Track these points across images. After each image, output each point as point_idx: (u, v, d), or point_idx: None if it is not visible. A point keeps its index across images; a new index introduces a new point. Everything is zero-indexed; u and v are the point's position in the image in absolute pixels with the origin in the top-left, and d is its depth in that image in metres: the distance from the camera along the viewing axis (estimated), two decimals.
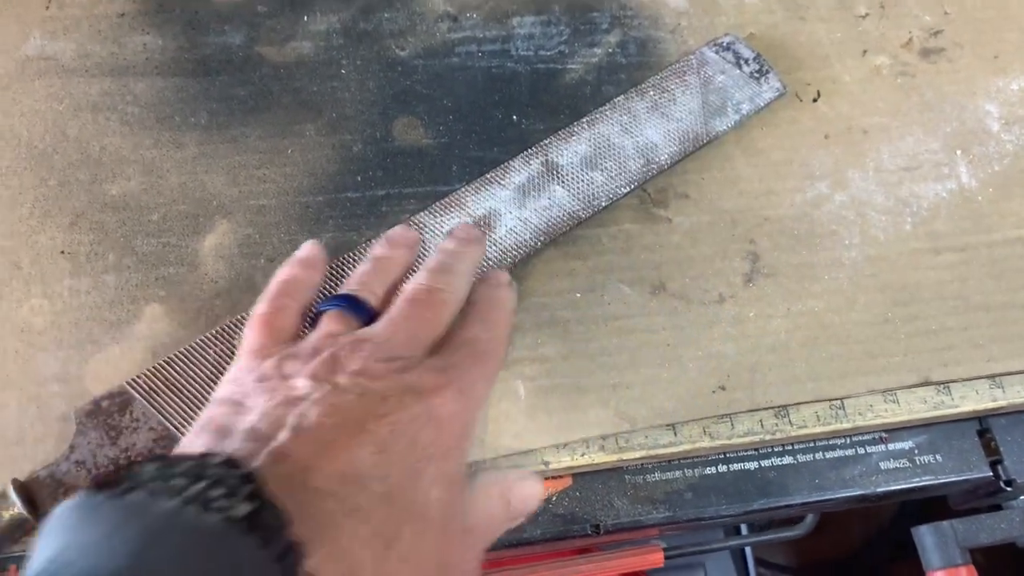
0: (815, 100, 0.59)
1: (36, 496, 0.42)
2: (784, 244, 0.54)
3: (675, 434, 0.49)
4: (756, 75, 0.58)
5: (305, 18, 0.58)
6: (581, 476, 0.53)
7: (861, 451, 0.55)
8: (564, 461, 0.48)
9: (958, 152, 0.57)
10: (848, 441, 0.55)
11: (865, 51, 0.61)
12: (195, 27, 0.57)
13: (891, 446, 0.55)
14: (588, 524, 0.52)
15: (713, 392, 0.49)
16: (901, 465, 0.54)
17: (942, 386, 0.51)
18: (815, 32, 0.61)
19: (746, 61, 0.58)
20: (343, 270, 0.48)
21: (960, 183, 0.56)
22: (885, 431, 0.54)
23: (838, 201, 0.55)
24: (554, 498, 0.52)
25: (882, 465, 0.54)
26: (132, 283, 0.49)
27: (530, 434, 0.48)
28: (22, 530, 0.41)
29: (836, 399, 0.50)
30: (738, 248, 0.53)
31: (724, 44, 0.59)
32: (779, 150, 0.57)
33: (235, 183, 0.52)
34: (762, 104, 0.57)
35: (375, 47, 0.58)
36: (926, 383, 0.51)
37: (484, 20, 0.60)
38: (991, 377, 0.52)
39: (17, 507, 0.41)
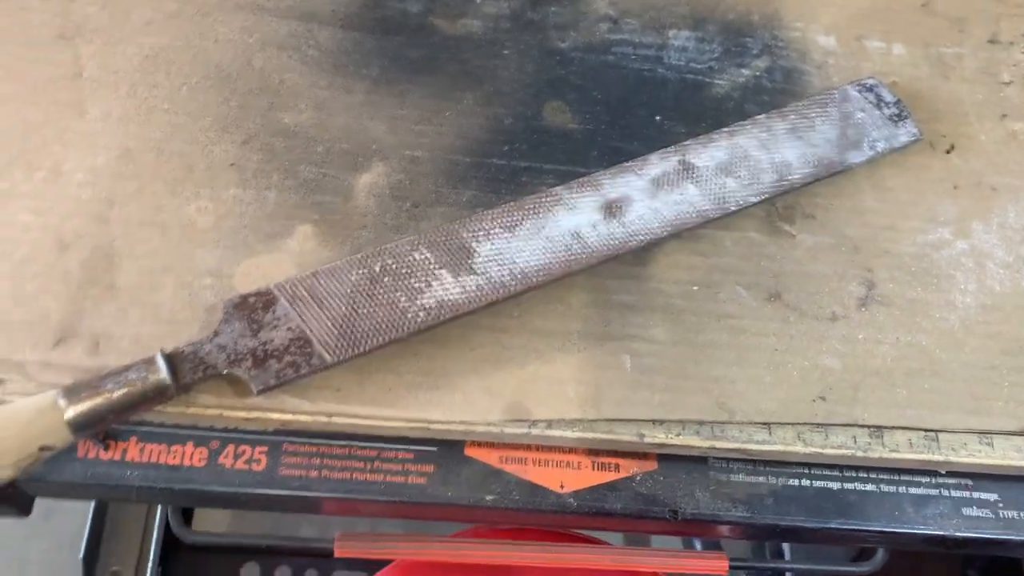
0: (948, 152, 0.61)
1: (179, 367, 0.45)
2: (900, 278, 0.55)
3: (770, 433, 0.50)
4: (894, 118, 0.60)
5: (478, 0, 0.63)
6: (667, 462, 0.55)
7: (945, 493, 0.56)
8: (659, 437, 0.49)
9: None
10: (933, 481, 0.56)
11: (1004, 115, 0.62)
12: None
13: (975, 494, 0.55)
14: (667, 509, 0.54)
15: (813, 401, 0.51)
16: (984, 514, 0.54)
17: None
18: (957, 91, 0.63)
19: (887, 104, 0.60)
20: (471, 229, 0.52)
21: None
22: (972, 478, 0.54)
23: (959, 248, 0.57)
24: (638, 477, 0.54)
25: (964, 511, 0.54)
26: (290, 203, 0.53)
27: (631, 405, 0.50)
28: (162, 397, 0.45)
29: (932, 430, 0.51)
30: (856, 274, 0.55)
31: (867, 85, 0.61)
32: (907, 191, 0.59)
33: (394, 133, 0.56)
34: (897, 145, 0.59)
35: (538, 35, 0.62)
36: None
37: (642, 27, 0.63)
38: None
39: (162, 373, 0.45)
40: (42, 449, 0.43)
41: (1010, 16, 0.68)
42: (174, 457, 0.52)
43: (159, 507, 1.08)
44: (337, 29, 0.60)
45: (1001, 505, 0.54)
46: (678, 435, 0.50)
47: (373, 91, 0.58)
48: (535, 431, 0.49)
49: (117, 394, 0.44)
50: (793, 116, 0.59)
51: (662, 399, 0.50)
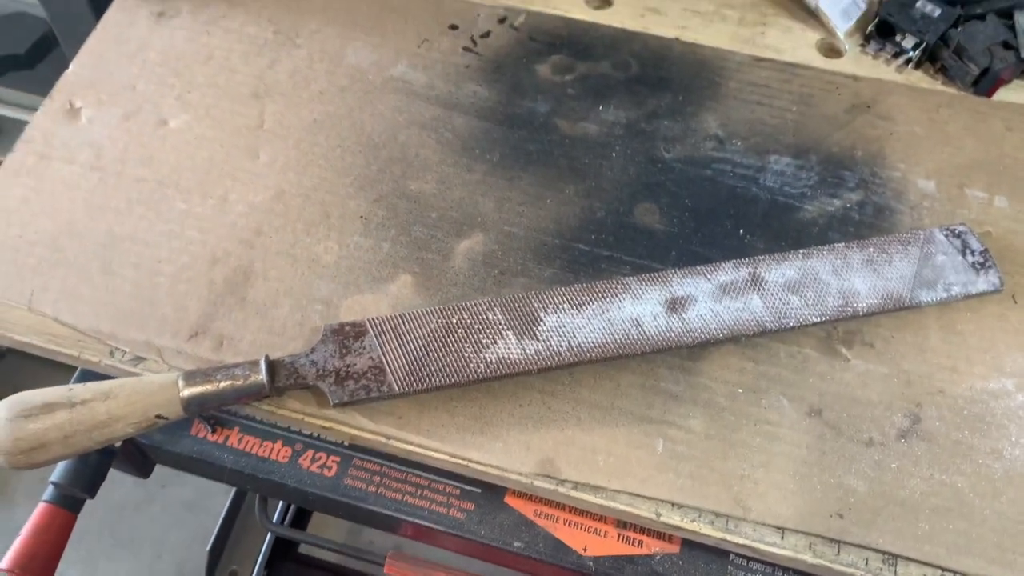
0: None
1: (277, 372, 0.55)
2: (950, 419, 0.56)
3: (782, 538, 0.53)
4: (978, 266, 0.61)
5: (600, 108, 0.71)
6: (689, 549, 0.58)
7: None
8: (674, 519, 0.53)
9: None
10: None
11: None
12: (516, 90, 0.72)
13: None
14: None
15: (830, 516, 0.53)
16: None
17: None
18: None
19: (972, 252, 0.62)
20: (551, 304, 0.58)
21: None
22: None
23: (1019, 401, 0.57)
24: (658, 556, 0.58)
25: None
26: (399, 255, 0.62)
27: (655, 484, 0.54)
28: (258, 394, 0.54)
29: (950, 570, 0.52)
30: (903, 406, 0.57)
31: (956, 231, 0.63)
32: (977, 337, 0.60)
33: (499, 210, 0.65)
34: (974, 292, 0.60)
35: (646, 144, 0.69)
36: None
37: (745, 149, 0.69)
38: None
39: (262, 375, 0.54)
40: (158, 417, 0.53)
41: None
42: (264, 450, 0.61)
43: (276, 517, 1.20)
44: (472, 118, 0.70)
45: None
46: (693, 521, 0.53)
47: (490, 173, 0.67)
48: (562, 489, 0.54)
49: (223, 384, 0.54)
50: (872, 249, 0.62)
51: (684, 484, 0.54)
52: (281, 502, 1.18)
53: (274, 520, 1.13)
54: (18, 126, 1.16)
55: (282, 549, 1.22)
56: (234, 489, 1.51)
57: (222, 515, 1.48)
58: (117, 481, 1.62)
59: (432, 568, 0.66)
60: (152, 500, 1.58)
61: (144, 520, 1.56)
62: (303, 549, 1.25)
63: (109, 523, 1.55)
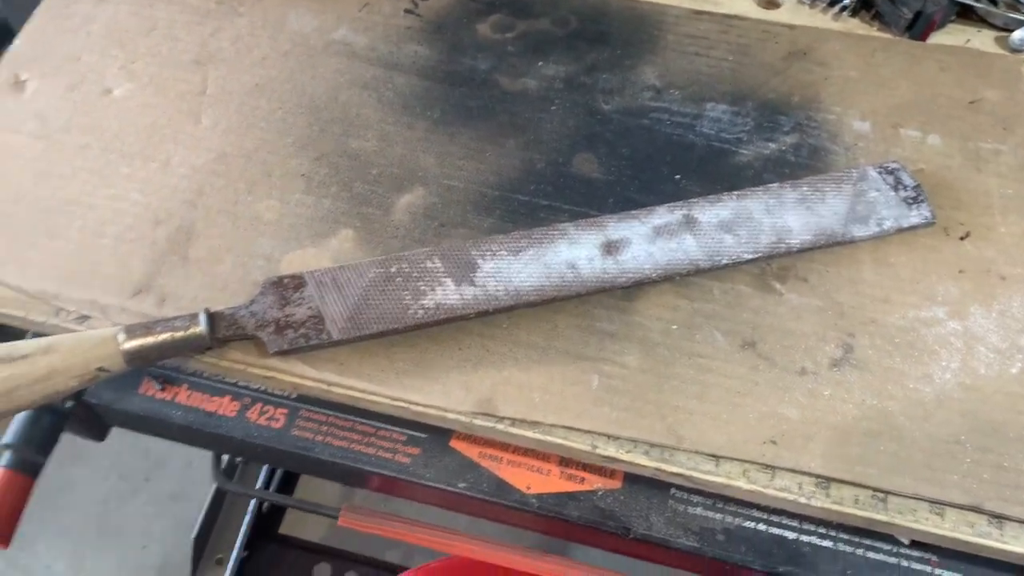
0: (962, 238, 0.62)
1: (217, 324, 0.56)
2: (881, 346, 0.57)
3: (716, 465, 0.54)
4: (909, 200, 0.62)
5: (540, 63, 0.72)
6: (631, 484, 0.59)
7: (905, 564, 0.56)
8: (610, 451, 0.54)
9: None
10: (895, 550, 0.57)
11: None
12: (457, 49, 0.73)
13: (939, 571, 0.56)
14: (621, 526, 0.58)
15: (763, 443, 0.54)
16: None
17: (994, 519, 0.52)
18: (986, 183, 0.65)
19: (904, 187, 0.63)
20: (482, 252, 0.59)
21: None
22: (939, 553, 0.54)
23: (950, 328, 0.58)
24: (600, 492, 0.59)
25: None
26: (340, 211, 0.63)
27: (590, 418, 0.55)
28: (199, 345, 0.55)
29: (881, 490, 0.53)
30: (836, 336, 0.58)
31: (888, 168, 0.64)
32: (909, 269, 0.61)
33: (440, 165, 0.66)
34: (905, 226, 0.61)
35: (585, 97, 0.70)
36: (977, 509, 0.52)
37: (682, 99, 0.70)
38: None
39: (202, 326, 0.55)
40: (99, 370, 0.54)
41: None
42: (213, 405, 0.62)
43: (254, 504, 1.21)
44: (413, 77, 0.71)
45: None
46: (628, 452, 0.54)
47: (431, 130, 0.68)
48: (500, 427, 0.55)
49: (163, 337, 0.54)
50: (805, 188, 0.63)
51: (619, 417, 0.55)
52: (263, 470, 1.20)
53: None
54: None
55: (262, 530, 1.23)
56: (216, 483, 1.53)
57: (206, 504, 1.49)
58: (101, 475, 1.63)
59: (385, 518, 0.67)
60: (137, 493, 1.59)
61: (129, 512, 1.57)
62: (283, 529, 1.27)
63: (95, 516, 1.56)
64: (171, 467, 1.61)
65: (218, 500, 1.54)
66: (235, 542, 1.44)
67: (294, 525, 1.32)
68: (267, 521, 1.23)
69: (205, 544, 1.53)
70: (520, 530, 0.63)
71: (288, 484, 1.30)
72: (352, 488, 1.48)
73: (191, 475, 1.62)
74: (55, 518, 1.60)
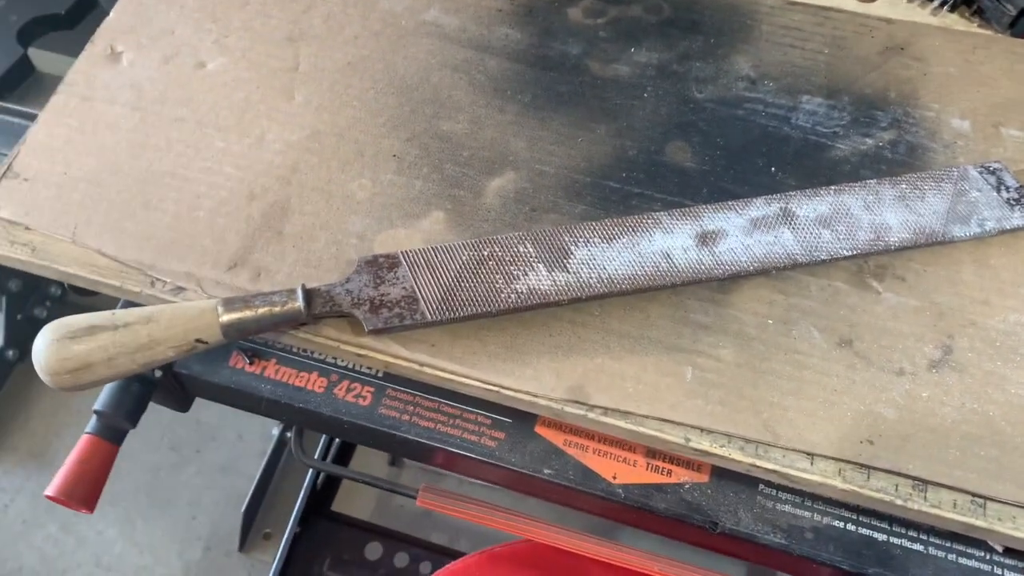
0: None
1: (313, 300, 0.56)
2: (982, 349, 0.56)
3: (811, 463, 0.53)
4: (1012, 202, 0.61)
5: (632, 50, 0.71)
6: (718, 478, 0.59)
7: (998, 572, 0.55)
8: (703, 445, 0.54)
9: None
10: (988, 556, 0.56)
11: None
12: (548, 33, 0.72)
13: None
14: (709, 520, 0.57)
15: (860, 442, 0.53)
16: None
17: None
18: None
19: (1007, 188, 0.62)
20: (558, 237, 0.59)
21: None
22: None
23: None
24: (687, 485, 0.58)
25: None
26: (431, 192, 0.63)
27: (684, 410, 0.54)
28: (295, 320, 0.56)
29: (980, 496, 0.52)
30: (935, 337, 0.57)
31: (990, 168, 0.63)
32: (1011, 271, 0.59)
33: (530, 149, 0.65)
34: (1008, 227, 0.60)
35: (678, 85, 0.69)
36: None
37: (777, 90, 0.69)
38: None
39: (299, 302, 0.55)
40: (198, 341, 0.55)
41: None
42: (301, 380, 0.63)
43: (310, 480, 1.22)
44: (504, 60, 0.70)
45: None
46: (722, 447, 0.54)
47: (522, 114, 0.67)
48: (591, 415, 0.55)
49: (262, 311, 0.55)
50: (905, 185, 0.62)
51: (713, 410, 0.54)
52: (320, 441, 1.21)
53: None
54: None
55: (315, 506, 1.24)
56: (268, 453, 1.54)
57: (256, 478, 1.51)
58: (153, 445, 1.66)
59: (463, 500, 0.67)
60: (187, 463, 1.61)
61: (179, 483, 1.60)
62: (335, 507, 1.28)
63: (145, 484, 1.59)
64: (222, 440, 1.63)
65: (267, 475, 1.56)
66: (283, 517, 1.46)
67: (341, 502, 1.33)
68: (319, 497, 1.24)
69: (254, 518, 1.55)
70: (589, 518, 0.63)
71: (342, 461, 1.31)
72: (397, 468, 1.49)
73: (241, 448, 1.63)
74: (108, 485, 1.63)
